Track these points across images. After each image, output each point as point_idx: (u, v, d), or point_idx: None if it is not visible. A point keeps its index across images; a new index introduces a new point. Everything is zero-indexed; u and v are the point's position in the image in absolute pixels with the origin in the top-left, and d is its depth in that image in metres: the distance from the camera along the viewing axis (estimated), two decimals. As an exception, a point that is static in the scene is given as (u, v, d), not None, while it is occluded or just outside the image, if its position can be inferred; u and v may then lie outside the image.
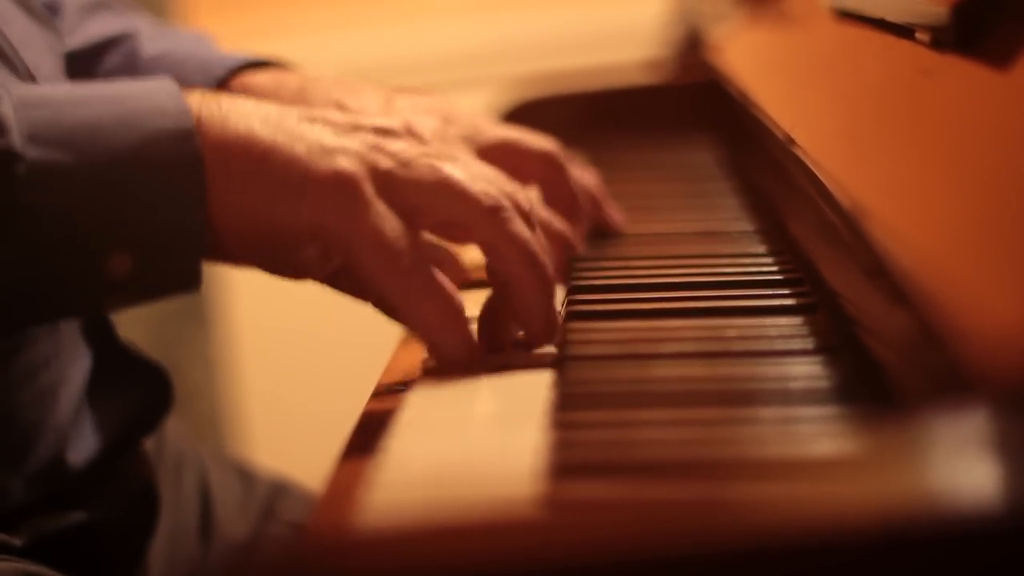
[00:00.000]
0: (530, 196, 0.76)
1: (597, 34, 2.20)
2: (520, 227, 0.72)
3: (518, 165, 0.83)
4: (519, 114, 1.27)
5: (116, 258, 0.68)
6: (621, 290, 0.81)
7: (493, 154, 0.82)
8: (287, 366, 2.29)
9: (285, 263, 0.73)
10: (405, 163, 0.71)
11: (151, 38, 1.02)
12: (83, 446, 0.86)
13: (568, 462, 0.56)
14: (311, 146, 0.70)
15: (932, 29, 0.70)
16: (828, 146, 0.79)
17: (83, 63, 0.99)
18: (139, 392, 0.92)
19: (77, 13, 1.02)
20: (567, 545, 0.41)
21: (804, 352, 0.70)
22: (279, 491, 1.08)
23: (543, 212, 0.86)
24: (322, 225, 0.69)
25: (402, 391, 0.69)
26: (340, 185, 0.69)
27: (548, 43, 2.22)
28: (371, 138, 0.71)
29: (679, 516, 0.42)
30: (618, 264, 0.85)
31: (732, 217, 1.03)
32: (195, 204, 0.68)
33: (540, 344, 0.73)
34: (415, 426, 0.63)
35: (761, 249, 0.91)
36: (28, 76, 0.83)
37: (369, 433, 0.64)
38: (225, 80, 0.95)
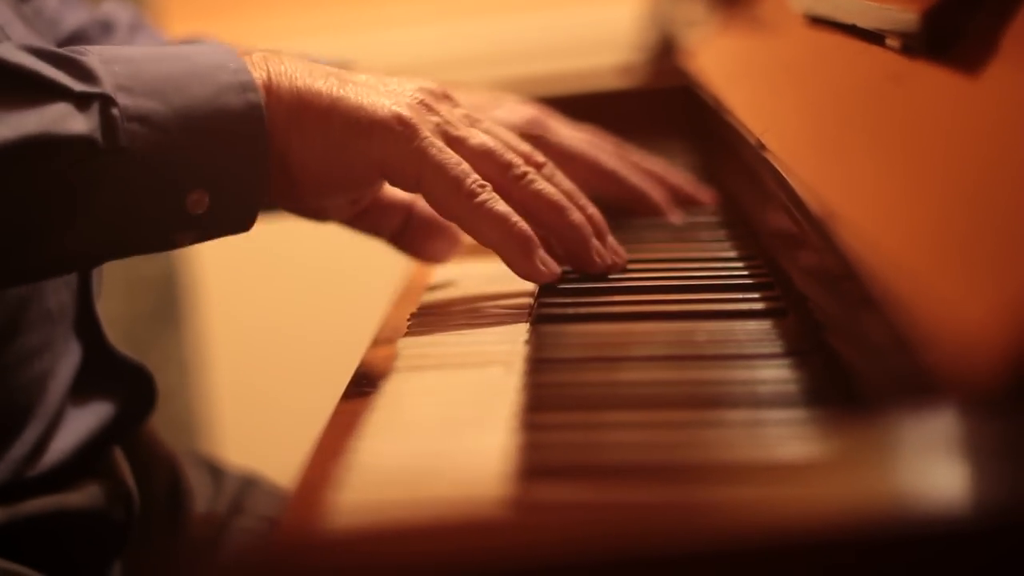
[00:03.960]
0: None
1: (571, 39, 2.20)
2: (545, 185, 0.82)
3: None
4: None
5: (196, 195, 0.75)
6: (591, 293, 0.81)
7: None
8: (258, 367, 2.29)
9: (333, 204, 0.85)
10: (449, 122, 0.80)
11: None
12: (66, 438, 0.88)
13: (536, 464, 0.56)
14: (370, 94, 0.79)
15: (903, 35, 0.71)
16: (799, 151, 0.79)
17: None
18: (123, 393, 0.93)
19: (127, 31, 1.14)
20: (534, 546, 0.41)
21: (773, 356, 0.70)
22: (248, 486, 1.09)
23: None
24: (388, 161, 0.78)
25: (370, 393, 0.69)
26: (402, 124, 0.78)
27: (522, 48, 2.22)
28: (419, 94, 0.81)
29: (647, 519, 0.42)
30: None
31: (704, 222, 1.03)
32: (260, 146, 0.76)
33: (595, 260, 0.84)
34: (384, 427, 0.63)
35: (732, 253, 0.91)
36: None
37: (338, 434, 0.64)
38: None
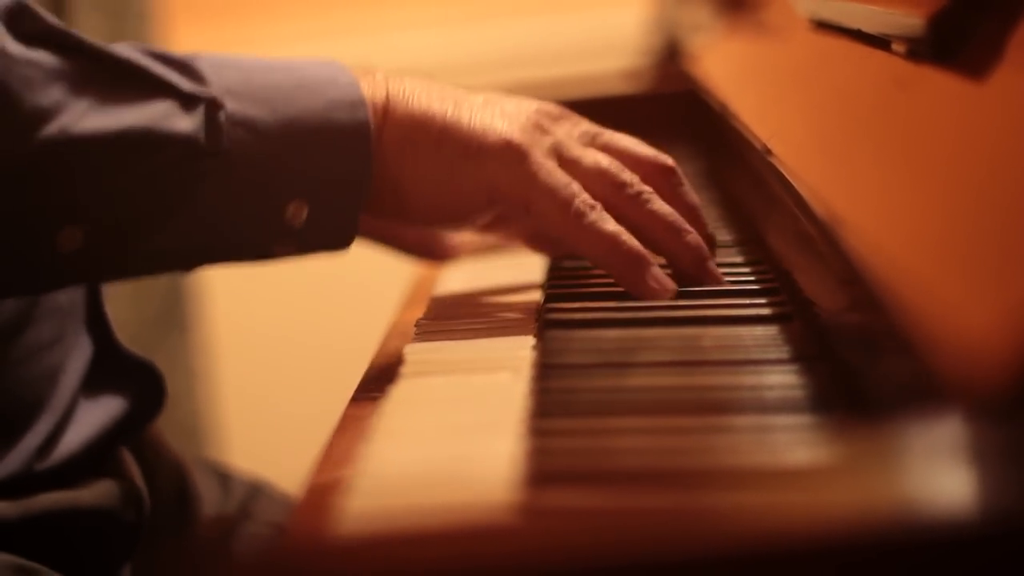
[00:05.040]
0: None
1: (577, 43, 2.20)
2: (661, 204, 0.82)
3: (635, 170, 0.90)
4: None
5: (294, 206, 0.76)
6: (598, 299, 0.81)
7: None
8: (266, 372, 2.29)
9: (456, 217, 0.83)
10: (564, 143, 0.81)
11: None
12: (76, 433, 0.88)
13: (544, 470, 0.56)
14: (483, 119, 0.79)
15: (908, 40, 0.71)
16: (805, 156, 0.79)
17: None
18: (133, 391, 0.93)
19: None
20: (543, 552, 0.41)
21: (780, 361, 0.70)
22: (256, 492, 1.09)
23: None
24: (498, 185, 0.79)
25: (378, 398, 0.69)
26: (512, 150, 0.78)
27: (528, 53, 2.22)
28: (534, 116, 0.81)
29: (655, 524, 0.42)
30: (595, 273, 0.85)
31: (710, 227, 1.03)
32: (364, 163, 0.77)
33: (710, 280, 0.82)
34: (392, 432, 0.63)
35: (738, 259, 0.91)
36: None
37: (346, 439, 0.64)
38: None
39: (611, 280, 0.82)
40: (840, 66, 0.86)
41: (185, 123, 0.74)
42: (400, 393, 0.69)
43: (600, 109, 1.35)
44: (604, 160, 0.81)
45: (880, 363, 0.59)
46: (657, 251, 0.81)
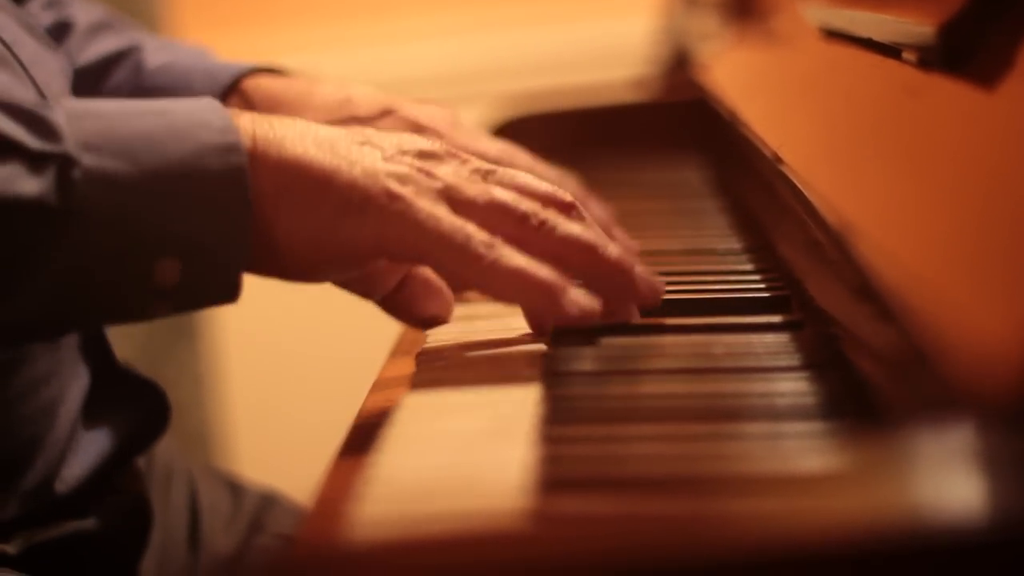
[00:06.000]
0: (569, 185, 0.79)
1: (586, 53, 2.20)
2: (570, 227, 0.75)
3: None
4: (508, 131, 1.28)
5: (164, 265, 0.70)
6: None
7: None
8: (275, 381, 2.29)
9: (326, 274, 0.77)
10: (454, 184, 0.74)
11: (155, 50, 1.05)
12: (78, 463, 0.87)
13: (556, 476, 0.56)
14: (366, 169, 0.72)
15: (919, 48, 0.71)
16: (815, 165, 0.79)
17: (91, 79, 1.03)
18: (136, 412, 0.92)
19: (84, 34, 1.06)
20: (555, 559, 0.41)
21: (791, 368, 0.70)
22: (267, 503, 1.09)
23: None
24: (385, 239, 0.72)
25: (390, 406, 0.69)
26: (397, 201, 0.72)
27: (537, 62, 2.22)
28: (418, 162, 0.74)
29: (666, 531, 0.42)
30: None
31: (720, 235, 1.03)
32: (240, 214, 0.71)
33: (646, 289, 0.77)
34: (404, 440, 0.63)
35: (748, 266, 0.91)
36: (39, 95, 0.84)
37: (357, 447, 0.65)
38: (232, 86, 0.98)
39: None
40: (850, 74, 0.86)
41: (32, 185, 0.67)
42: (412, 400, 0.69)
43: (609, 118, 1.36)
44: (500, 194, 0.74)
45: (891, 370, 0.59)
46: (579, 277, 0.76)
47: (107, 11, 1.09)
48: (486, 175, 0.76)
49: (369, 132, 0.76)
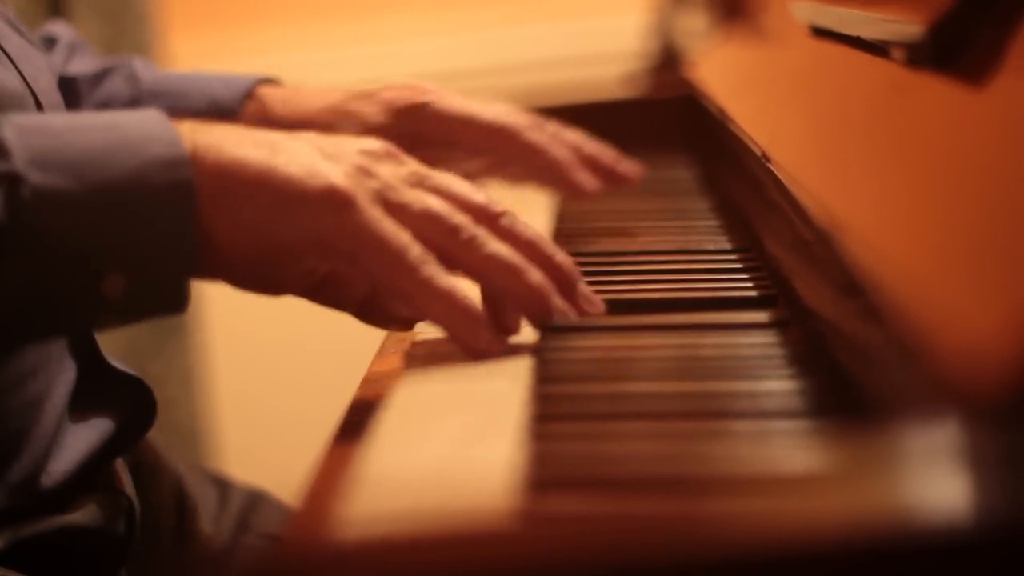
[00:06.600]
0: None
1: (575, 50, 2.20)
2: (497, 247, 0.75)
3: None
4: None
5: (111, 278, 0.70)
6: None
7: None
8: (263, 378, 2.29)
9: (278, 279, 0.76)
10: (391, 186, 0.74)
11: (144, 66, 1.10)
12: (64, 458, 0.87)
13: (543, 475, 0.56)
14: (303, 166, 0.72)
15: (907, 47, 0.71)
16: (803, 162, 0.80)
17: (80, 87, 1.07)
18: (122, 407, 0.92)
19: (69, 47, 1.10)
20: (541, 558, 0.41)
21: (778, 367, 0.70)
22: (255, 501, 1.09)
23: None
24: (322, 236, 0.72)
25: (377, 404, 0.69)
26: (335, 196, 0.72)
27: (526, 59, 2.22)
28: (357, 159, 0.74)
29: (653, 530, 0.42)
30: (595, 280, 0.85)
31: (708, 233, 1.03)
32: (186, 228, 0.71)
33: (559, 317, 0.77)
34: (391, 438, 0.63)
35: (736, 265, 0.91)
36: (27, 87, 0.86)
37: (345, 445, 0.65)
38: (249, 92, 1.05)
39: (609, 287, 0.82)
40: (839, 72, 0.86)
41: None
42: (399, 399, 0.69)
43: (598, 115, 1.35)
44: (434, 204, 0.75)
45: (878, 368, 0.59)
46: (502, 295, 0.77)
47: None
48: (422, 180, 0.76)
49: (311, 135, 0.76)
